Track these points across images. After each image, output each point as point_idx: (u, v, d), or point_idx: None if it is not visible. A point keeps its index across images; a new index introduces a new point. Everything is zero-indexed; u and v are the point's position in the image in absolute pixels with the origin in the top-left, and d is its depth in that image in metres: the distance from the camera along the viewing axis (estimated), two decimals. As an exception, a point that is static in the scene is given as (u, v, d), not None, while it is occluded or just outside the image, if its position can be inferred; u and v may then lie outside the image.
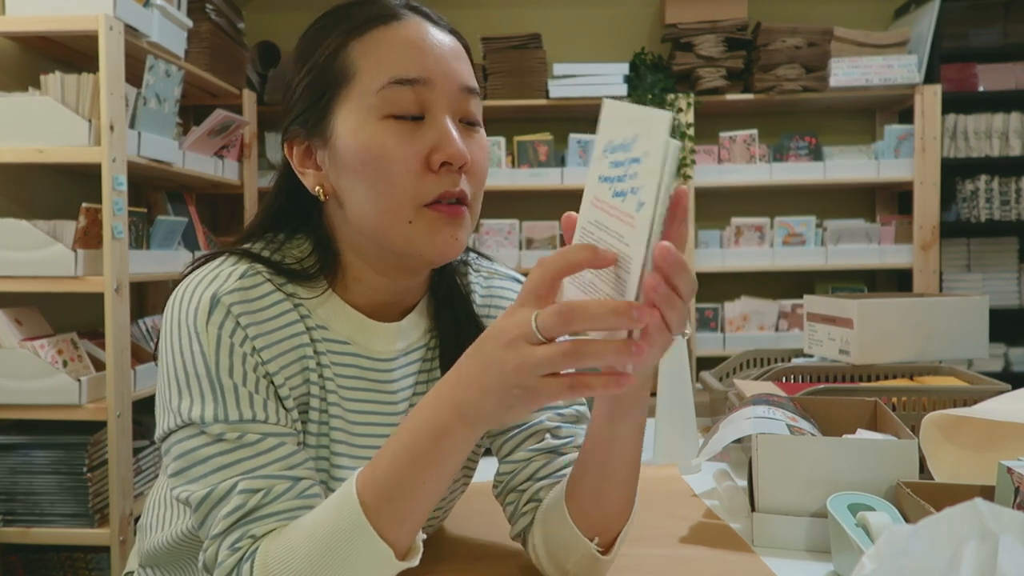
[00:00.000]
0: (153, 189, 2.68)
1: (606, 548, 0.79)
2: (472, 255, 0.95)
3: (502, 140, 3.22)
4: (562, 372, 0.59)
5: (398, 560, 0.67)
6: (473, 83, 0.80)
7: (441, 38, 0.78)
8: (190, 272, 0.80)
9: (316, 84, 0.78)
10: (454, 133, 0.75)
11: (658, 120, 0.55)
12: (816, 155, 3.26)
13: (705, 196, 3.31)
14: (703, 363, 2.92)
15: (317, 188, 0.80)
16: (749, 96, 3.20)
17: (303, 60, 0.80)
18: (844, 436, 1.04)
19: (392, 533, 0.66)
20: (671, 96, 3.16)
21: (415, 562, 0.69)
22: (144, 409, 2.20)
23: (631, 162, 0.57)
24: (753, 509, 0.97)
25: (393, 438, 0.67)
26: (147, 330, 2.50)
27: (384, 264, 0.81)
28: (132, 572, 0.99)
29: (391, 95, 0.75)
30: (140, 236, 2.24)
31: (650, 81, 3.19)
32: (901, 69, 3.12)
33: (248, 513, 0.70)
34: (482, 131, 0.81)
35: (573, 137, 3.22)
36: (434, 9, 0.83)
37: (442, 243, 0.76)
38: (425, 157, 0.75)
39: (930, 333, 1.54)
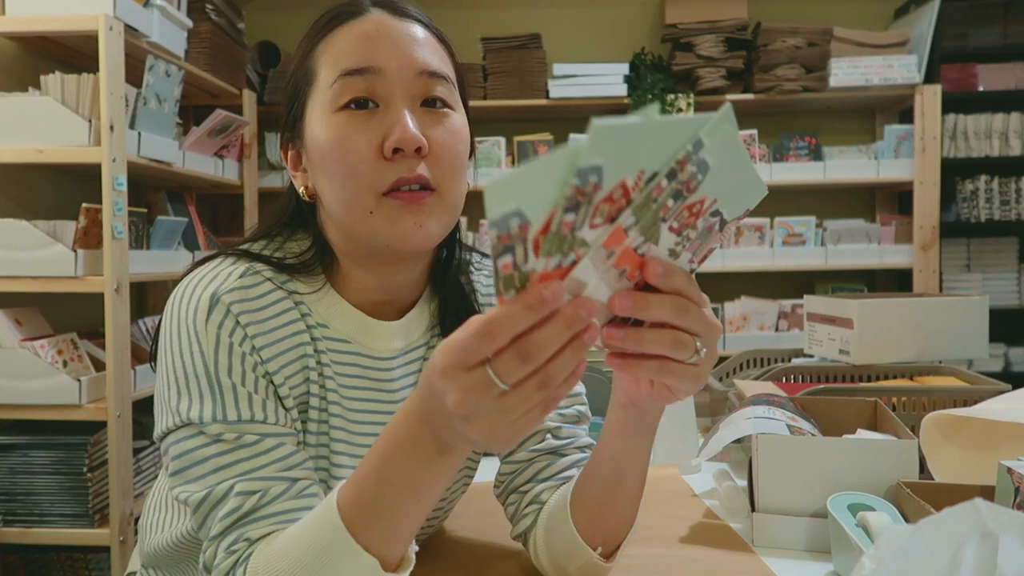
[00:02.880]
0: (153, 189, 2.68)
1: (608, 555, 0.79)
2: (475, 255, 0.95)
3: (502, 140, 3.21)
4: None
5: (387, 573, 0.65)
6: (436, 67, 0.78)
7: (400, 28, 0.78)
8: (190, 272, 0.80)
9: (292, 88, 0.81)
10: (406, 118, 0.74)
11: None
12: (816, 155, 3.26)
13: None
14: (703, 363, 2.92)
15: (302, 189, 0.82)
16: (749, 96, 3.20)
17: (290, 67, 0.83)
18: (844, 436, 1.04)
19: (381, 547, 0.64)
20: (671, 96, 3.16)
21: (406, 573, 0.66)
22: (144, 409, 2.20)
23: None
24: (753, 509, 0.97)
25: (376, 450, 0.63)
26: (147, 330, 2.50)
27: (363, 259, 0.81)
28: (135, 572, 0.99)
29: (343, 86, 0.75)
30: (140, 236, 2.24)
31: (650, 81, 3.19)
32: (901, 69, 3.12)
33: (244, 515, 0.70)
34: (453, 114, 0.79)
35: (573, 137, 3.21)
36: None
37: (404, 231, 0.74)
38: (379, 145, 0.74)
39: (930, 333, 1.54)
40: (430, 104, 0.77)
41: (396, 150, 0.74)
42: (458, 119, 0.79)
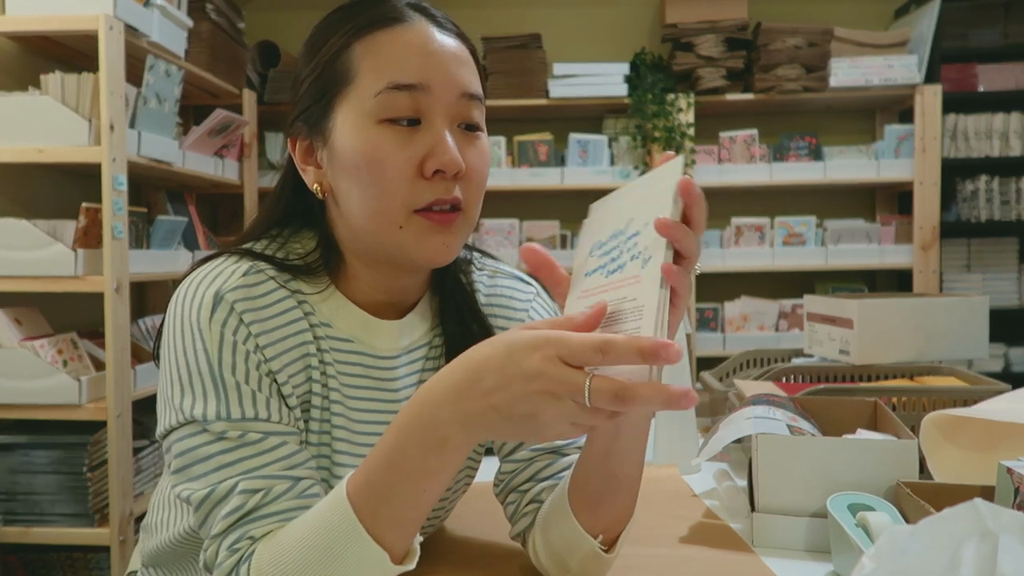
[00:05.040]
0: (153, 189, 2.68)
1: (608, 546, 0.79)
2: (476, 254, 0.95)
3: (502, 140, 3.22)
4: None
5: (394, 564, 0.66)
6: (475, 89, 0.79)
7: (445, 43, 0.78)
8: (193, 271, 0.80)
9: (319, 82, 0.79)
10: (449, 141, 0.75)
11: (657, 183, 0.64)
12: (816, 155, 3.26)
13: (705, 196, 3.30)
14: (703, 363, 2.92)
15: (316, 186, 0.81)
16: (749, 96, 3.20)
17: (310, 56, 0.80)
18: (844, 436, 1.05)
19: (387, 537, 0.65)
20: (671, 96, 3.16)
21: (412, 566, 0.68)
22: (144, 409, 2.21)
23: (629, 238, 0.63)
24: (753, 509, 0.97)
25: (386, 439, 0.65)
26: (147, 330, 2.50)
27: (378, 263, 0.81)
28: (135, 572, 0.99)
29: (389, 100, 0.75)
30: (140, 236, 2.24)
31: (650, 81, 3.19)
32: (901, 69, 3.12)
33: (248, 513, 0.70)
34: (483, 136, 0.81)
35: (573, 137, 3.22)
36: (437, 9, 0.82)
37: (431, 250, 0.76)
38: (419, 163, 0.75)
39: (930, 333, 1.54)
40: (466, 127, 0.79)
41: (436, 171, 0.74)
42: (486, 140, 0.81)
